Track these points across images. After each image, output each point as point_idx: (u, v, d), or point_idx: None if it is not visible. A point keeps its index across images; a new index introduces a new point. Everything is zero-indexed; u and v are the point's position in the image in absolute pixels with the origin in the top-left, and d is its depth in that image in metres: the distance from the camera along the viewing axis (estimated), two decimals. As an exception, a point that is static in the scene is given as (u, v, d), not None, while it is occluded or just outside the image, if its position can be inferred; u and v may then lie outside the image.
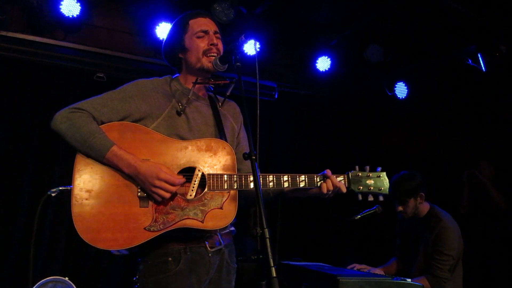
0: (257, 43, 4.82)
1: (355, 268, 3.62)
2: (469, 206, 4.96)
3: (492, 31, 4.50)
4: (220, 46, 2.30)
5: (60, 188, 2.84)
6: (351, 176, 2.28)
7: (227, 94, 2.35)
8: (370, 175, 2.29)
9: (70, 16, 4.22)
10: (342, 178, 2.27)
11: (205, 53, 2.25)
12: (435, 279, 3.44)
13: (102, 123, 2.09)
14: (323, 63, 5.24)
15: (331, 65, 5.25)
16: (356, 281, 2.69)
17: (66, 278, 3.37)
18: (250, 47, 4.63)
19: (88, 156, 2.02)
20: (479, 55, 4.56)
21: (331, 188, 2.19)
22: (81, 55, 4.46)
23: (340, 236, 5.42)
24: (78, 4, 4.21)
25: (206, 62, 2.24)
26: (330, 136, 5.72)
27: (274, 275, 1.52)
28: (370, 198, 2.27)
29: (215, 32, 2.30)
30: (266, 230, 1.61)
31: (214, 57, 2.23)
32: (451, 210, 3.81)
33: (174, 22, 2.38)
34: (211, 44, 2.25)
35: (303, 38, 5.25)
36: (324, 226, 5.39)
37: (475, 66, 4.62)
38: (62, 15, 4.21)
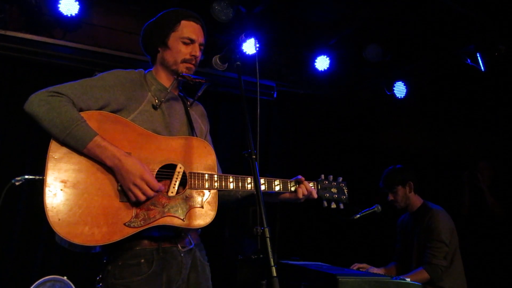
0: (257, 42, 4.81)
1: (355, 267, 3.64)
2: (470, 207, 4.96)
3: (491, 31, 4.51)
4: (199, 57, 2.30)
5: (26, 176, 2.68)
6: (319, 183, 2.41)
7: (198, 94, 2.34)
8: (334, 184, 2.46)
9: (69, 15, 4.21)
10: (313, 185, 2.39)
11: (184, 61, 2.24)
12: (431, 267, 3.47)
13: (81, 110, 1.98)
14: (322, 63, 5.24)
15: (330, 64, 5.25)
16: (355, 281, 2.68)
17: (65, 277, 3.37)
18: (250, 46, 4.63)
19: (65, 144, 1.90)
20: (478, 55, 4.57)
21: (305, 193, 2.31)
22: (80, 54, 4.45)
23: (339, 235, 5.42)
24: (77, 3, 4.21)
25: (182, 68, 2.25)
26: (329, 135, 5.72)
27: (275, 274, 1.52)
28: (333, 206, 2.43)
29: (201, 44, 2.29)
30: (267, 230, 1.61)
31: (191, 66, 2.25)
32: (452, 211, 3.83)
33: (165, 11, 2.33)
34: (192, 55, 2.25)
35: (302, 37, 5.24)
36: (323, 226, 5.39)
37: (474, 65, 4.62)
38: (61, 14, 4.20)
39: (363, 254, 5.12)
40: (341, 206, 2.43)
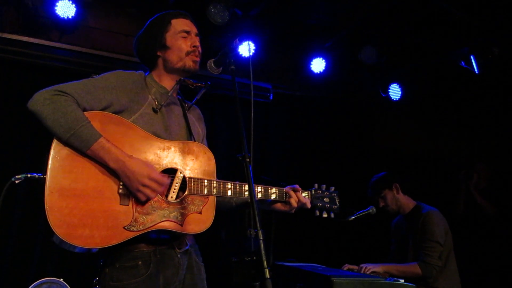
0: (252, 45, 4.84)
1: (345, 268, 3.68)
2: (466, 207, 4.99)
3: (485, 33, 4.54)
4: (200, 48, 2.33)
5: (28, 175, 2.62)
6: (313, 192, 2.47)
7: (197, 98, 2.37)
8: (327, 193, 2.52)
9: (65, 17, 4.22)
10: (307, 194, 2.46)
11: (188, 53, 2.27)
12: (426, 266, 3.53)
13: (84, 110, 1.97)
14: (318, 65, 5.26)
15: (326, 66, 5.27)
16: (350, 282, 2.71)
17: (61, 279, 3.38)
18: (245, 49, 4.65)
19: (69, 144, 1.88)
20: (472, 57, 4.60)
21: (297, 203, 2.35)
22: (76, 56, 4.45)
23: (334, 237, 5.44)
24: (74, 5, 4.21)
25: (189, 62, 2.27)
26: (325, 137, 5.74)
27: (268, 276, 1.54)
28: (325, 215, 2.49)
29: (196, 34, 2.34)
30: (260, 232, 1.63)
31: (196, 59, 2.28)
32: (447, 211, 3.86)
33: (152, 19, 2.37)
34: (194, 46, 2.28)
35: (298, 40, 5.27)
36: (318, 227, 5.40)
37: (468, 68, 4.65)
38: (57, 16, 4.21)
39: (358, 255, 5.14)
40: (332, 215, 2.50)
